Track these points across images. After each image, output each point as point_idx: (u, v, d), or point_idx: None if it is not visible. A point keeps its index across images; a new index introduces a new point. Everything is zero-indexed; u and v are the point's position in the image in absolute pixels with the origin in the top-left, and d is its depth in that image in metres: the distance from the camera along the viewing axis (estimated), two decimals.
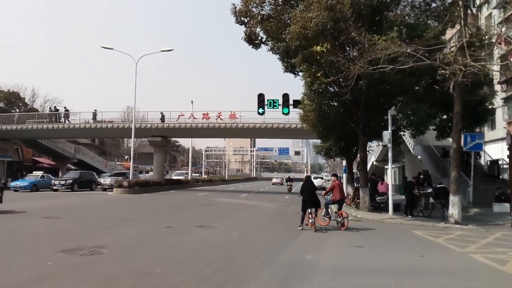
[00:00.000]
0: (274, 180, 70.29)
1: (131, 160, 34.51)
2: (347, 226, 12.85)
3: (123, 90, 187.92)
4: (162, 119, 39.04)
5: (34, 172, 37.62)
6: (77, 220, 13.76)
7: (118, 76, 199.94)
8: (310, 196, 12.59)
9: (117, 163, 68.73)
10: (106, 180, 35.24)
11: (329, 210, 13.55)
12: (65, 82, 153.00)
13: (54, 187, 31.80)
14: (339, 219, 13.03)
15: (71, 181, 32.51)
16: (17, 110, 60.30)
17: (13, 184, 33.00)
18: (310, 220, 12.61)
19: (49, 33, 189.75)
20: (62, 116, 41.68)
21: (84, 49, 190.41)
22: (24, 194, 28.14)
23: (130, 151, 36.04)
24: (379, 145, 31.42)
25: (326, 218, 13.28)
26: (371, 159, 41.82)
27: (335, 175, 15.33)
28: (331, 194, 13.60)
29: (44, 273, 6.60)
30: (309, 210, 12.53)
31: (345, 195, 13.68)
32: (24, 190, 31.30)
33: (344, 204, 22.47)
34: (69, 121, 41.15)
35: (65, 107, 44.35)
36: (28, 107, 64.30)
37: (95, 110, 40.87)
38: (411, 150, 27.35)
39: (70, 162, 52.90)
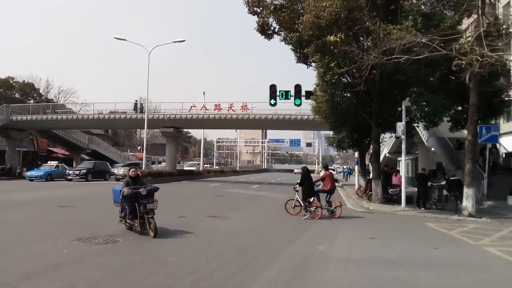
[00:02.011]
0: (295, 170, 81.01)
1: (144, 151, 34.80)
2: (340, 214, 13.51)
3: (136, 81, 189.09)
4: (135, 108, 39.54)
5: (49, 162, 38.26)
6: (92, 209, 13.98)
7: (131, 67, 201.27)
8: (311, 186, 13.39)
9: (130, 153, 69.44)
10: (119, 170, 35.68)
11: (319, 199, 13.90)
12: (79, 73, 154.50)
13: (69, 177, 32.36)
14: (331, 208, 13.65)
15: (85, 171, 33.05)
16: (32, 100, 61.21)
17: (28, 173, 33.67)
18: (312, 209, 13.12)
19: (63, 25, 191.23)
20: (50, 108, 43.76)
21: (98, 41, 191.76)
22: (39, 184, 28.67)
23: (143, 142, 36.38)
24: (392, 136, 31.15)
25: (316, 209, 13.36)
26: (384, 151, 41.45)
27: (325, 166, 15.85)
28: (321, 184, 14.25)
29: (60, 260, 6.74)
30: (310, 199, 13.20)
31: (335, 185, 14.59)
32: (39, 180, 31.89)
33: (356, 196, 22.70)
34: (56, 112, 42.69)
35: (51, 100, 45.86)
36: (43, 97, 65.17)
37: (136, 101, 42.17)
38: (425, 142, 27.03)
39: (84, 152, 53.67)
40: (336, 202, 13.87)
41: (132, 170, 9.77)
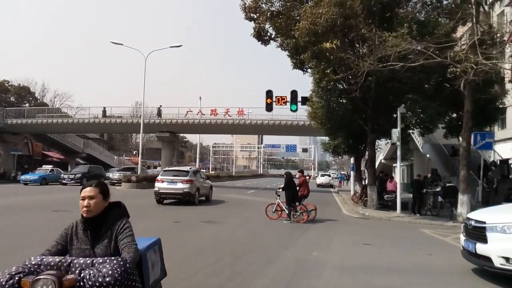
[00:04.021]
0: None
1: (140, 155, 34.72)
2: (315, 217, 13.87)
3: (132, 86, 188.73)
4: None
5: (43, 166, 38.04)
6: None
7: (128, 71, 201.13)
8: (295, 191, 13.64)
9: (125, 158, 69.20)
10: (114, 175, 35.54)
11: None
12: (75, 77, 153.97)
13: (63, 181, 32.17)
14: (304, 212, 13.82)
15: (80, 175, 32.86)
16: (27, 104, 60.97)
17: (23, 177, 33.45)
18: (298, 213, 13.45)
19: (60, 29, 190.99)
20: (45, 111, 44.38)
21: (94, 45, 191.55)
22: (33, 188, 28.49)
23: (139, 146, 36.28)
24: (387, 143, 31.26)
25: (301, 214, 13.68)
26: (379, 157, 41.57)
27: (301, 171, 15.89)
28: (298, 189, 14.28)
29: None
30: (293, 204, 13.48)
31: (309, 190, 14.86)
32: (33, 184, 31.69)
33: (352, 201, 22.72)
34: (51, 116, 42.91)
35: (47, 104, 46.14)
36: (38, 101, 64.93)
37: (104, 108, 41.57)
38: (420, 149, 27.15)
39: (79, 156, 53.41)
40: (310, 206, 14.04)
41: (84, 199, 3.10)
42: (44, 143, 51.32)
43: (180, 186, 18.28)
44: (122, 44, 31.95)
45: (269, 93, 26.16)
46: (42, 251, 3.11)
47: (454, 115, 19.13)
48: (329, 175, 54.51)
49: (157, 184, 18.69)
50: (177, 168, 24.06)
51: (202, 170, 64.12)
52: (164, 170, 21.27)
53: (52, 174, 33.89)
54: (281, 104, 27.13)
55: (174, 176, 18.73)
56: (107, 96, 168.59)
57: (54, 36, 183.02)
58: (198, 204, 18.81)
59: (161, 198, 18.65)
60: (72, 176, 32.76)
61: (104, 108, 41.50)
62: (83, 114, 42.94)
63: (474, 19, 13.44)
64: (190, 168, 20.69)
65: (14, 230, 10.25)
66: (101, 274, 2.48)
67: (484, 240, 6.46)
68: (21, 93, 65.06)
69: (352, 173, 29.41)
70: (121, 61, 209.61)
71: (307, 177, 16.15)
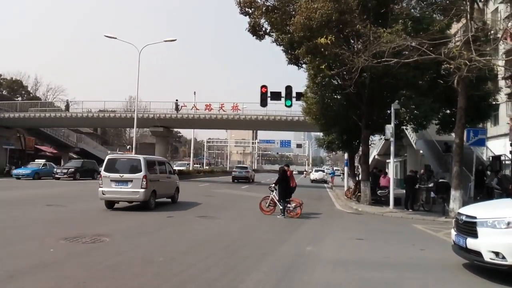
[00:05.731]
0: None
1: (133, 150, 34.56)
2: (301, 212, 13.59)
3: (126, 80, 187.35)
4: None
5: (36, 160, 37.78)
6: (79, 209, 13.83)
7: (122, 66, 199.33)
8: (288, 186, 13.50)
9: (119, 152, 68.81)
10: None
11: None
12: (68, 71, 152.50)
13: (56, 176, 31.99)
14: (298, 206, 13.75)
15: (73, 169, 32.71)
16: (20, 98, 60.42)
17: (15, 172, 33.24)
18: (291, 208, 13.34)
19: (53, 22, 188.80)
20: (38, 105, 44.01)
21: (88, 39, 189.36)
22: (26, 182, 28.30)
23: (132, 141, 36.13)
24: (381, 139, 31.39)
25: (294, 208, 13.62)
26: (373, 153, 41.74)
27: (287, 165, 15.83)
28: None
29: (46, 260, 6.66)
30: (287, 199, 13.43)
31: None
32: (26, 178, 31.50)
33: (345, 197, 22.84)
34: (44, 110, 42.57)
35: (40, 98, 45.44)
36: (31, 95, 64.42)
37: (67, 100, 41.43)
38: (413, 145, 27.27)
39: (72, 151, 53.12)
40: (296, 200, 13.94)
41: None
42: (37, 137, 50.93)
43: (244, 174, 39.38)
44: (116, 38, 31.67)
45: (264, 88, 26.10)
46: (34, 245, 3.11)
47: (448, 111, 19.22)
48: (323, 171, 54.66)
49: (233, 173, 40.34)
50: (241, 165, 51.60)
51: (196, 165, 65.29)
52: (236, 166, 46.75)
53: (45, 169, 33.68)
54: (276, 99, 27.08)
55: (240, 169, 41.12)
56: (101, 90, 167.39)
57: (44, 29, 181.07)
58: (251, 182, 37.85)
59: (234, 179, 38.31)
60: (65, 171, 32.59)
61: (67, 101, 41.42)
62: (76, 108, 42.60)
63: (468, 15, 13.48)
64: (248, 167, 44.68)
65: (6, 224, 10.19)
66: None
67: (474, 235, 6.52)
68: (14, 86, 64.47)
69: (346, 169, 29.53)
70: (115, 55, 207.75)
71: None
